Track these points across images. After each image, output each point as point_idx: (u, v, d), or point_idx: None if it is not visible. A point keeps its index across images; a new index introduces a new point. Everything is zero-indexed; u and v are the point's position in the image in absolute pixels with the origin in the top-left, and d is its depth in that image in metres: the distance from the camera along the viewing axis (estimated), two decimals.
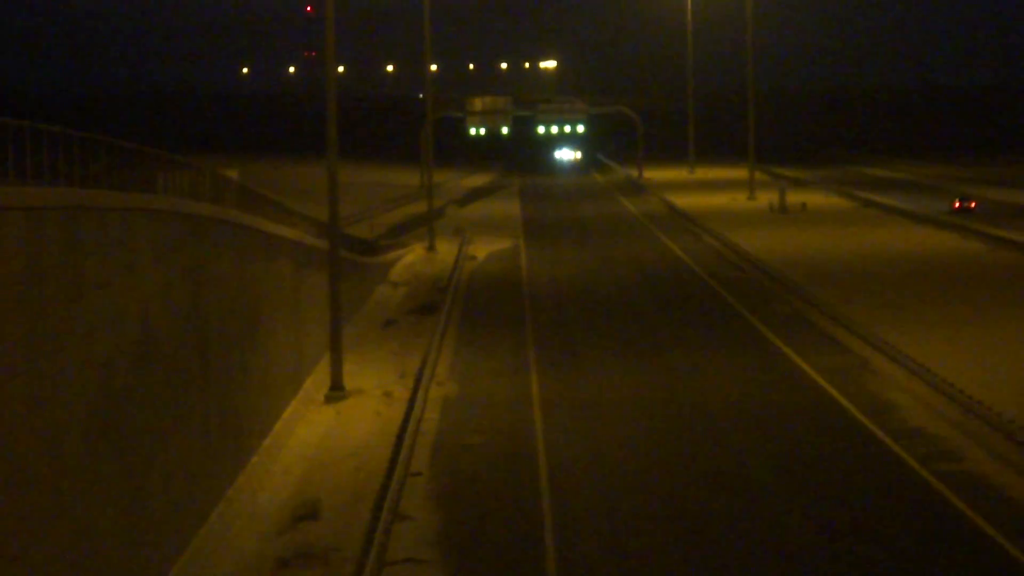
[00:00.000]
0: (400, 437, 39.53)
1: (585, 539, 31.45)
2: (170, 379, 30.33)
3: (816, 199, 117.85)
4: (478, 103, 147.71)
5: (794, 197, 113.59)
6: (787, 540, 30.99)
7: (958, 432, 39.48)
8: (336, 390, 46.66)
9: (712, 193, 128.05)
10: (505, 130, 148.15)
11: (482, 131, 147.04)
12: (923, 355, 48.52)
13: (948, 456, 37.12)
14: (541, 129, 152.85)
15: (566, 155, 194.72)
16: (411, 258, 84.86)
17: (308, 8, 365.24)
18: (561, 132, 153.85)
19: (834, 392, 45.00)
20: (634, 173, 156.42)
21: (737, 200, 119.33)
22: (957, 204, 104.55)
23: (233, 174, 41.74)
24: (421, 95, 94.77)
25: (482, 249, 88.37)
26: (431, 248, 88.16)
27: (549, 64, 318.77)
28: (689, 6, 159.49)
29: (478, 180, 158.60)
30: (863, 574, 28.97)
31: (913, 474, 35.59)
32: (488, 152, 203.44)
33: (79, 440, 24.48)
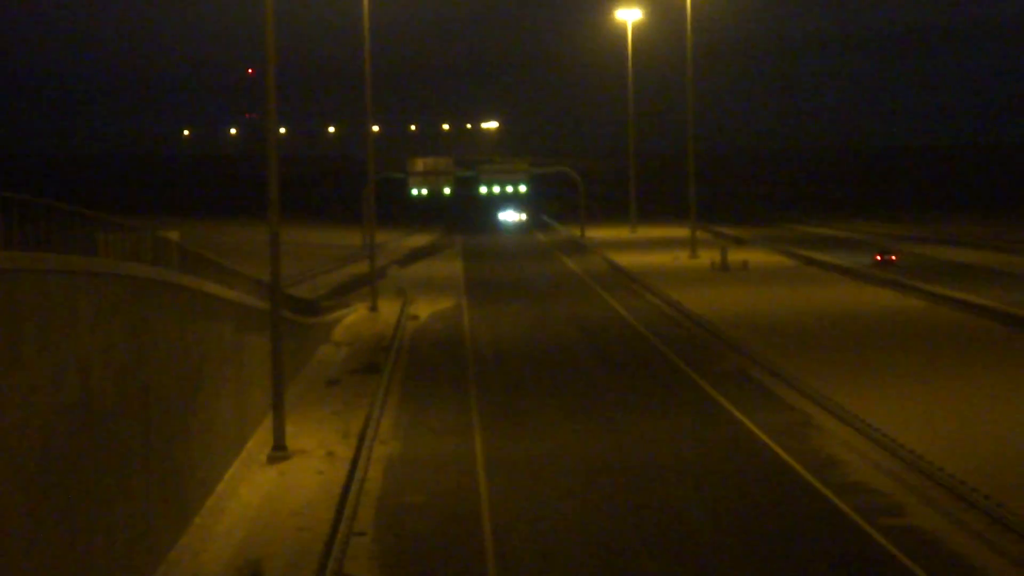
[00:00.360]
0: (343, 497, 39.35)
1: None
2: (111, 441, 30.11)
3: (757, 257, 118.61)
4: (420, 164, 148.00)
5: (736, 255, 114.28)
6: None
7: (900, 486, 39.69)
8: (279, 450, 46.40)
9: (654, 252, 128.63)
10: (447, 190, 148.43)
11: (424, 191, 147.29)
12: (865, 411, 48.84)
13: (891, 510, 37.31)
14: (483, 189, 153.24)
15: (511, 216, 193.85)
16: (353, 318, 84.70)
17: (249, 70, 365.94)
18: (503, 192, 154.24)
19: (778, 448, 45.13)
20: (576, 232, 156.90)
21: (679, 258, 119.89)
22: (879, 257, 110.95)
23: (174, 236, 41.61)
24: (363, 156, 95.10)
25: (424, 309, 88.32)
26: (373, 308, 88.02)
27: (491, 125, 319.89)
28: (631, 68, 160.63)
29: (420, 240, 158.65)
30: None
31: (856, 529, 35.73)
32: (430, 212, 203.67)
33: (19, 504, 24.24)
